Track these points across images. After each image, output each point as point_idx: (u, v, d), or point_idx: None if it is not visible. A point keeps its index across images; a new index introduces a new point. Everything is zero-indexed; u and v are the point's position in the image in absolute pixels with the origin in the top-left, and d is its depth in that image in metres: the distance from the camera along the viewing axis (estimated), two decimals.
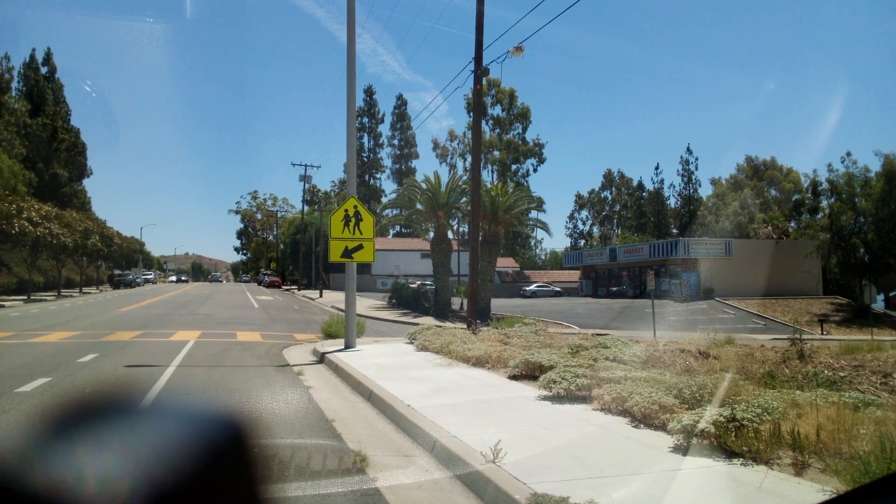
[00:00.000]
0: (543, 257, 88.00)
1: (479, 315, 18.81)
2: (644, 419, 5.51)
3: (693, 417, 4.67)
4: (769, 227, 51.23)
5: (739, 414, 4.60)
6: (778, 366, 10.52)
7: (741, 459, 4.39)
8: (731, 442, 4.47)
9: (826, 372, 9.65)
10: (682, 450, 4.64)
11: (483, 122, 65.47)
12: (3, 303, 32.17)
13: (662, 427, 5.29)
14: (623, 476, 4.14)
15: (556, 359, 8.36)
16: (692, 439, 4.58)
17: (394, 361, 10.52)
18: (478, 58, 17.39)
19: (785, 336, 20.76)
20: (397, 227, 66.85)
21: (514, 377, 8.53)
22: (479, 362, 9.73)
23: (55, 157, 57.88)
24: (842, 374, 9.66)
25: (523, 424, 5.74)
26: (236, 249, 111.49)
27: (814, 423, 4.74)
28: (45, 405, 6.80)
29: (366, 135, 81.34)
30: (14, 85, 59.05)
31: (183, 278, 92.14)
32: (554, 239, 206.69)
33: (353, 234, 12.78)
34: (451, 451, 4.81)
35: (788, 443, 4.46)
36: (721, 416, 4.59)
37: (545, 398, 6.92)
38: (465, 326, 16.47)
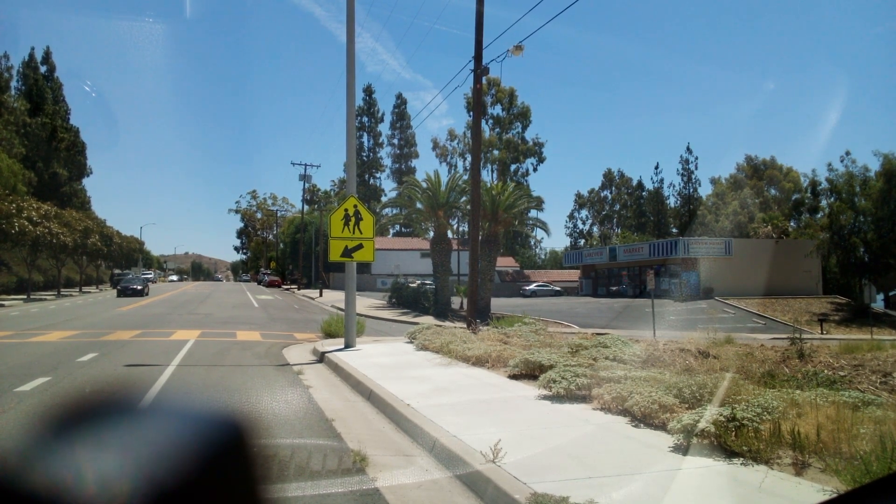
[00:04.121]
0: (543, 257, 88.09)
1: (478, 314, 18.81)
2: (644, 419, 5.51)
3: (693, 417, 4.66)
4: (769, 227, 51.26)
5: (739, 413, 4.60)
6: (778, 365, 10.53)
7: (741, 459, 4.39)
8: (731, 441, 4.47)
9: (826, 371, 9.65)
10: (682, 449, 4.63)
11: (483, 122, 65.47)
12: (2, 302, 32.16)
13: (662, 427, 5.29)
14: (623, 476, 4.14)
15: (556, 358, 8.36)
16: (692, 439, 4.58)
17: (393, 361, 10.51)
18: (477, 57, 17.38)
19: (785, 335, 20.76)
20: (397, 227, 66.87)
21: (513, 377, 8.53)
22: (478, 362, 9.73)
23: (55, 157, 57.82)
24: (841, 373, 9.66)
25: (523, 424, 5.74)
26: (236, 249, 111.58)
27: (814, 423, 4.74)
28: (44, 405, 6.79)
29: (365, 134, 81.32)
30: (13, 84, 59.06)
31: (137, 287, 40.45)
32: (554, 238, 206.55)
33: (353, 233, 12.78)
34: (451, 451, 4.81)
35: (789, 442, 4.46)
36: (721, 415, 4.58)
37: (545, 398, 6.92)
38: (464, 326, 16.46)
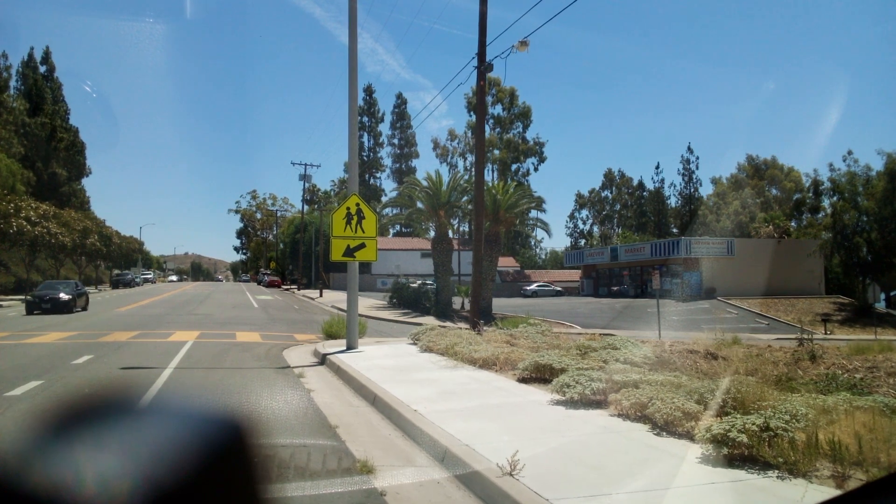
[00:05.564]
0: (543, 257, 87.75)
1: (481, 315, 18.52)
2: (666, 426, 5.21)
3: (723, 426, 4.37)
4: (770, 227, 50.95)
5: (773, 423, 4.31)
6: (790, 367, 10.26)
7: (776, 472, 4.09)
8: (764, 452, 4.18)
9: (840, 373, 9.39)
10: (711, 460, 4.35)
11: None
12: (0, 303, 31.87)
13: (686, 435, 5.00)
14: (652, 490, 3.85)
15: (566, 361, 8.07)
16: (723, 449, 4.28)
17: (397, 363, 10.23)
18: (481, 54, 17.10)
19: (789, 336, 20.52)
20: (397, 227, 66.65)
21: (523, 380, 8.24)
22: (485, 364, 9.44)
23: (54, 157, 57.51)
24: (857, 375, 9.39)
25: (538, 431, 5.45)
26: (236, 249, 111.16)
27: (849, 431, 4.46)
28: (34, 410, 6.48)
29: (366, 134, 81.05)
30: (12, 84, 58.78)
31: (60, 299, 24.24)
32: (554, 238, 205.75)
33: (356, 232, 12.49)
34: (464, 462, 4.52)
35: (826, 453, 4.17)
36: (754, 424, 4.29)
37: (558, 402, 6.63)
38: (467, 326, 16.17)
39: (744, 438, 4.19)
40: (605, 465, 4.37)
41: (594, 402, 6.40)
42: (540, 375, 8.13)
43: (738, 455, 4.32)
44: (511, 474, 4.03)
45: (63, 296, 24.57)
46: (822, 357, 11.29)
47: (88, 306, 27.22)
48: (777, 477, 4.02)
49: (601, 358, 8.83)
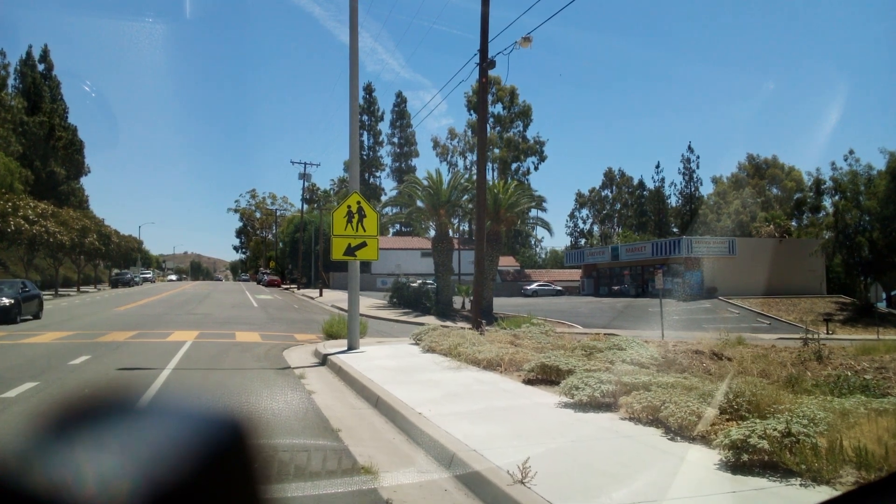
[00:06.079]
0: (543, 256, 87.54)
1: (482, 314, 18.37)
2: (680, 431, 5.04)
3: (742, 431, 4.20)
4: (771, 226, 50.79)
5: (794, 427, 4.14)
6: (798, 367, 10.11)
7: (799, 479, 3.92)
8: (786, 459, 4.01)
9: (850, 374, 9.23)
10: (730, 467, 4.18)
11: None
12: None
13: (701, 440, 4.83)
14: (674, 500, 3.67)
15: (573, 362, 7.91)
16: (742, 455, 4.11)
17: (400, 364, 10.06)
18: (483, 50, 16.93)
19: (791, 336, 20.37)
20: (397, 226, 66.48)
21: (529, 381, 8.07)
22: (490, 365, 9.27)
23: (52, 155, 57.28)
24: (867, 376, 9.24)
25: (547, 436, 5.28)
26: (235, 248, 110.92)
27: (871, 436, 4.30)
28: (29, 413, 6.28)
29: (365, 133, 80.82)
30: (10, 82, 58.60)
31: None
32: (554, 238, 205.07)
33: (357, 231, 12.32)
34: (472, 468, 4.36)
35: (851, 459, 4.00)
36: (775, 429, 4.13)
37: (566, 405, 6.46)
38: (469, 326, 16.02)
39: (765, 445, 4.02)
40: (619, 472, 4.21)
41: (604, 405, 6.23)
42: (546, 377, 7.97)
43: (757, 461, 4.15)
44: (522, 482, 3.87)
45: (3, 300, 18.36)
46: (828, 357, 11.13)
47: (42, 314, 21.32)
48: (800, 485, 3.85)
49: (607, 359, 8.67)
